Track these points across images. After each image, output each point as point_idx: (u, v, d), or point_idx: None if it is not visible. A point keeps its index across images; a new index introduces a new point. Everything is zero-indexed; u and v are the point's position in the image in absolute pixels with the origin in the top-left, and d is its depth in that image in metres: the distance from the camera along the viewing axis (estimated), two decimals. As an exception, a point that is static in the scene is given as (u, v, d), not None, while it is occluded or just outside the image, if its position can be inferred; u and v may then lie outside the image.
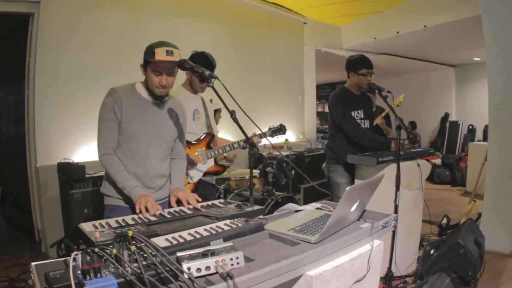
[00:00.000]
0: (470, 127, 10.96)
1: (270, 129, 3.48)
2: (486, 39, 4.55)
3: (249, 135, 2.51)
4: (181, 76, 2.76)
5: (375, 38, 8.04)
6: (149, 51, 2.27)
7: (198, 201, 2.31)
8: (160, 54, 2.23)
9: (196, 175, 3.29)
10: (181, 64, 2.33)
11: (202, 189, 3.36)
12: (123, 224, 1.86)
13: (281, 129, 3.51)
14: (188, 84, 3.31)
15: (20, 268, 3.97)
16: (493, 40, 4.51)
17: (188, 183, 3.26)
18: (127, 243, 1.25)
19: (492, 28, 4.49)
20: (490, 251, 4.30)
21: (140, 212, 2.10)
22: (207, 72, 2.25)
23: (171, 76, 2.37)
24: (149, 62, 2.30)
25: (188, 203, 2.29)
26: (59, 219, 4.58)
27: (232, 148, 3.38)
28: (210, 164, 3.39)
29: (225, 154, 4.74)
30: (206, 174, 3.39)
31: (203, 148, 3.32)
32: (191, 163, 3.18)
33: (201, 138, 3.32)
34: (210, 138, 3.38)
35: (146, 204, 2.12)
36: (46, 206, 4.62)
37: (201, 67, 2.31)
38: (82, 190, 4.35)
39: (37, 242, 4.84)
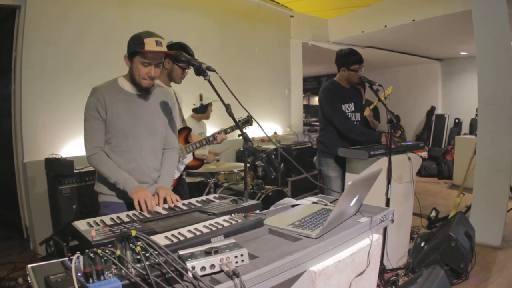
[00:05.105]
0: (456, 120, 11.05)
1: (240, 121, 3.42)
2: (476, 33, 4.56)
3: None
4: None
5: (362, 32, 7.99)
6: (138, 41, 2.20)
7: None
8: (150, 44, 2.18)
9: (177, 171, 3.25)
10: (176, 57, 2.29)
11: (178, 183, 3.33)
12: (118, 222, 1.82)
13: (248, 121, 3.49)
14: (165, 75, 3.11)
15: (9, 267, 3.88)
16: (483, 35, 4.53)
17: None
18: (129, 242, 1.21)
19: (482, 22, 4.50)
20: (479, 244, 4.36)
21: (140, 208, 2.05)
22: (204, 65, 2.21)
23: (158, 67, 2.32)
24: (137, 52, 2.23)
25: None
26: (47, 216, 4.50)
27: (208, 142, 3.34)
28: (189, 158, 3.35)
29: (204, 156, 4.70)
30: (185, 168, 3.36)
31: (181, 143, 3.27)
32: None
33: (179, 132, 3.26)
34: (187, 132, 3.33)
35: (146, 200, 2.08)
36: (34, 202, 4.52)
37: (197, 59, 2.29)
38: (70, 185, 4.27)
39: (25, 240, 4.75)
